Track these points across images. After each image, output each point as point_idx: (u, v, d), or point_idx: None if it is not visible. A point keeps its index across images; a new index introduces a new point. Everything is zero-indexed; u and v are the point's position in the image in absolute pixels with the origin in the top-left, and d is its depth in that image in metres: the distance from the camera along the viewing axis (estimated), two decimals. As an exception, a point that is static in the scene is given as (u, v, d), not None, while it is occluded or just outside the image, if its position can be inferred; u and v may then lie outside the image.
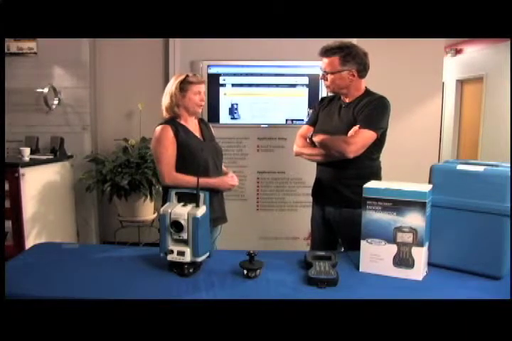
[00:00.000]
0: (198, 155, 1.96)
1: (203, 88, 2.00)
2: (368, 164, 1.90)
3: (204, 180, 1.79)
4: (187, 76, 1.97)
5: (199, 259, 1.40)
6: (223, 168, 2.14)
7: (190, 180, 1.84)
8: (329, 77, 1.90)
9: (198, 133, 2.04)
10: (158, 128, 1.96)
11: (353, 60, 1.87)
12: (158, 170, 1.97)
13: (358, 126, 1.82)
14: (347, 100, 1.95)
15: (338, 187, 1.91)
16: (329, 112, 2.00)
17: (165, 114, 2.01)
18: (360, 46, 1.92)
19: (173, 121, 1.98)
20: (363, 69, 1.90)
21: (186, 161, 1.94)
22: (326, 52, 1.88)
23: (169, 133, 1.93)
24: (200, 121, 2.13)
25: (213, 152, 2.05)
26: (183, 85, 1.96)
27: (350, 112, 1.90)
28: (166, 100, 1.99)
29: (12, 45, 3.25)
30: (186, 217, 1.38)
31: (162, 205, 1.80)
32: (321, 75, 1.99)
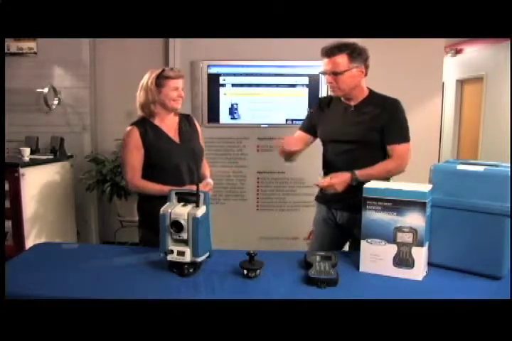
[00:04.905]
0: (166, 160, 1.83)
1: (181, 83, 1.85)
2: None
3: (160, 188, 1.72)
4: (163, 70, 1.83)
5: (199, 259, 1.40)
6: (206, 172, 2.00)
7: (153, 187, 1.78)
8: (339, 78, 1.77)
9: (172, 134, 1.88)
10: (126, 130, 1.85)
11: (359, 56, 1.79)
12: (123, 175, 1.88)
13: (395, 142, 1.81)
14: (352, 103, 1.85)
15: (351, 192, 1.74)
16: (334, 118, 1.89)
17: (139, 112, 1.89)
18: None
19: (142, 122, 1.86)
20: (367, 66, 1.83)
21: (154, 166, 1.83)
22: (333, 50, 1.76)
23: (135, 136, 1.81)
24: (183, 118, 1.96)
25: (188, 155, 1.89)
26: (160, 80, 1.82)
27: (365, 117, 1.81)
28: (141, 96, 1.86)
29: (12, 45, 3.25)
30: (186, 217, 1.38)
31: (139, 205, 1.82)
32: (327, 79, 1.82)
